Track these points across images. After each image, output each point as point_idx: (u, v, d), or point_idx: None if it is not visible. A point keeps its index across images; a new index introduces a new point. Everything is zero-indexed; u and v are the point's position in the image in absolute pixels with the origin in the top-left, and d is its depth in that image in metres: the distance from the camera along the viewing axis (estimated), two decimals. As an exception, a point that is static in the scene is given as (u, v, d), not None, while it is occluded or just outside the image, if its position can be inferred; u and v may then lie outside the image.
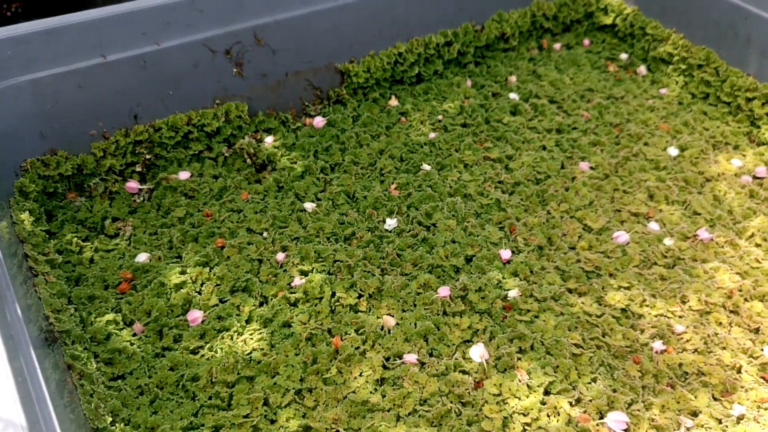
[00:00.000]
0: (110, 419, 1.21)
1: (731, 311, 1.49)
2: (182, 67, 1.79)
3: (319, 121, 1.94)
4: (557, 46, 2.36)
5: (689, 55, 2.11)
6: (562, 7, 2.35)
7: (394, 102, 2.06)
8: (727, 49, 2.06)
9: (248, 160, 1.81)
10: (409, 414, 1.27)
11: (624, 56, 2.29)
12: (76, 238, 1.58)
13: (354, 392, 1.31)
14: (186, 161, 1.80)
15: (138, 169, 1.75)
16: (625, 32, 2.33)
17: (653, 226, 1.67)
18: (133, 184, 1.71)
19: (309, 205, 1.70)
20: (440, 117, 2.01)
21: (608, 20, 2.36)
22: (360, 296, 1.49)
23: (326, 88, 2.04)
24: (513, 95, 2.10)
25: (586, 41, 2.38)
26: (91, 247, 1.58)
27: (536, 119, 2.02)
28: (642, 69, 2.24)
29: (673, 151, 1.89)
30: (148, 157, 1.76)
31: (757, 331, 1.45)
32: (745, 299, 1.51)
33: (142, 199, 1.72)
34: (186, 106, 1.82)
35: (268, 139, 1.88)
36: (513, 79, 2.18)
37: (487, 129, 1.97)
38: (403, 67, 2.08)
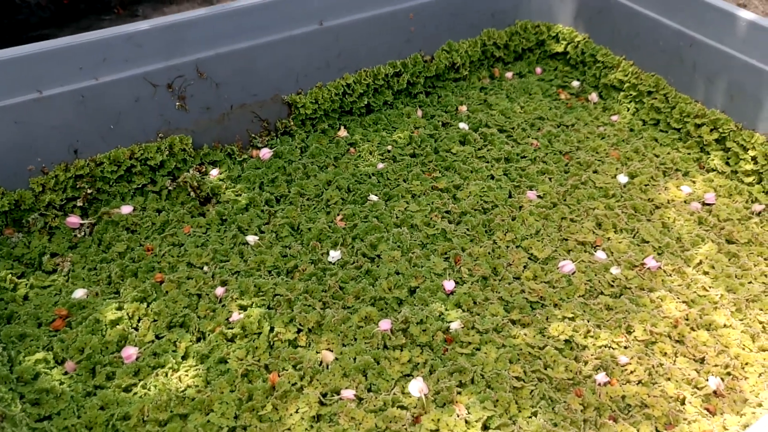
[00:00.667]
0: None
1: (677, 341, 1.47)
2: (123, 101, 1.76)
3: (265, 153, 1.92)
4: (509, 74, 2.35)
5: (639, 82, 2.11)
6: (513, 35, 2.35)
7: (343, 133, 2.04)
8: (675, 76, 2.07)
9: (192, 194, 1.78)
10: (345, 452, 1.24)
11: (576, 83, 2.29)
12: (10, 275, 1.54)
13: (289, 429, 1.27)
14: (129, 195, 1.77)
15: (79, 203, 1.72)
16: (576, 60, 2.33)
17: (600, 254, 1.66)
18: (74, 219, 1.68)
19: (251, 238, 1.67)
20: (389, 147, 1.99)
21: (560, 48, 2.36)
22: (299, 331, 1.46)
23: (273, 120, 2.02)
24: (463, 125, 2.09)
25: (539, 69, 2.38)
26: (26, 284, 1.55)
27: (485, 148, 2.00)
28: (593, 96, 2.24)
29: (622, 179, 1.88)
30: (89, 191, 1.72)
31: (702, 360, 1.43)
32: (692, 328, 1.49)
33: (83, 233, 1.68)
34: (128, 140, 1.79)
35: (214, 172, 1.86)
36: (463, 108, 2.17)
37: (436, 159, 1.95)
38: (352, 98, 2.06)
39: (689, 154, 1.97)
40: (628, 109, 2.15)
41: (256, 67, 1.92)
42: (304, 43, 1.97)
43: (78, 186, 1.72)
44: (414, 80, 2.17)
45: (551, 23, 2.40)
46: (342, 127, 2.06)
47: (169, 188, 1.79)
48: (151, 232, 1.69)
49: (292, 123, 2.01)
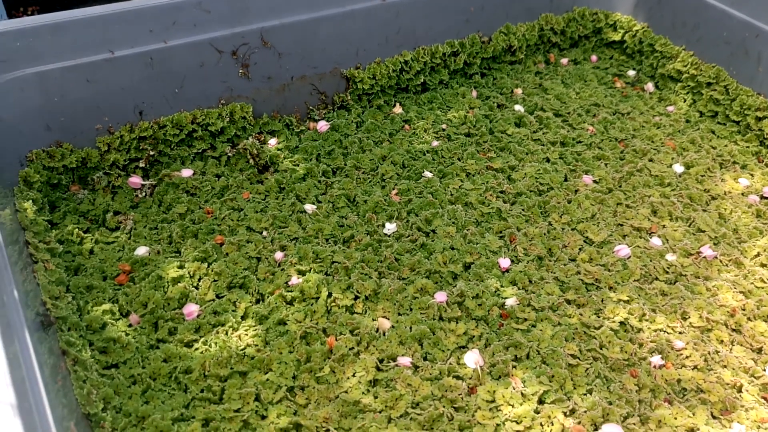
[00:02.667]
0: (102, 406, 1.20)
1: (733, 330, 1.48)
2: (188, 66, 1.78)
3: (322, 126, 1.94)
4: (564, 60, 2.35)
5: (698, 73, 2.11)
6: (570, 22, 2.35)
7: (398, 109, 2.06)
8: (737, 68, 2.06)
9: (251, 161, 1.80)
10: (401, 416, 1.26)
11: (631, 73, 2.29)
12: (77, 229, 1.57)
13: (346, 392, 1.30)
14: (189, 159, 1.80)
15: (141, 164, 1.75)
16: (633, 49, 2.33)
17: (655, 241, 1.66)
18: (135, 180, 1.71)
19: (309, 207, 1.69)
20: (444, 126, 2.00)
21: (617, 36, 2.36)
22: (356, 298, 1.48)
23: (331, 93, 2.04)
24: (518, 107, 2.10)
25: (594, 57, 2.38)
26: (91, 239, 1.58)
27: (540, 131, 2.01)
28: (650, 86, 2.24)
29: (678, 168, 1.88)
30: (151, 153, 1.75)
31: (759, 351, 1.44)
32: (748, 318, 1.49)
33: (144, 194, 1.71)
34: (191, 104, 1.82)
35: (272, 141, 1.88)
36: (519, 91, 2.18)
37: (491, 139, 1.96)
38: (409, 75, 2.08)
39: (748, 147, 1.97)
40: (685, 100, 2.15)
41: (318, 39, 1.94)
42: (365, 18, 1.99)
43: (141, 147, 1.74)
44: (470, 61, 2.18)
45: (609, 11, 2.40)
46: (397, 104, 2.08)
47: (229, 154, 1.82)
48: (210, 196, 1.72)
49: (349, 97, 2.03)
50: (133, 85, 1.72)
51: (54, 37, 1.60)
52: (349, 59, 2.02)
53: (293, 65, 1.94)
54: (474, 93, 2.15)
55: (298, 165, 1.81)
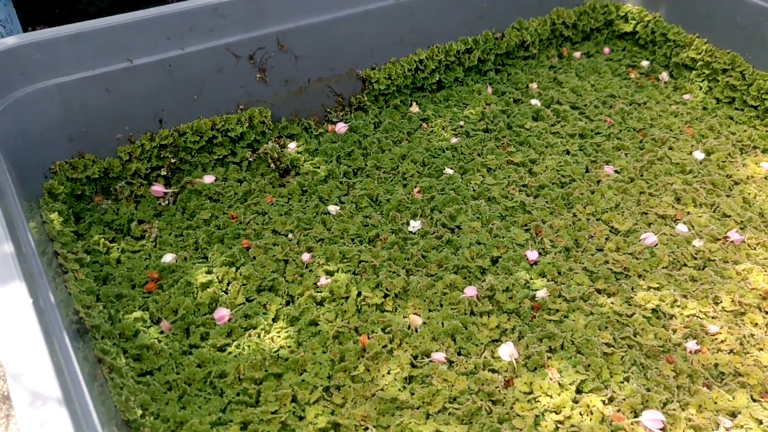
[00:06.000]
0: (140, 412, 1.20)
1: (767, 312, 1.48)
2: (206, 71, 1.79)
3: (341, 127, 1.95)
4: (577, 54, 2.35)
5: (713, 60, 2.10)
6: (581, 15, 2.35)
7: (415, 108, 2.06)
8: (753, 53, 2.06)
9: (272, 165, 1.81)
10: (439, 411, 1.26)
11: (645, 63, 2.29)
12: (103, 239, 1.58)
13: (382, 390, 1.30)
14: (210, 165, 1.80)
15: (163, 172, 1.75)
16: (646, 39, 2.33)
17: (681, 228, 1.66)
18: (158, 188, 1.71)
19: (333, 208, 1.70)
20: (462, 123, 2.01)
21: (628, 28, 2.36)
22: (386, 296, 1.49)
23: (348, 95, 2.04)
24: (534, 101, 2.10)
25: (606, 49, 2.38)
26: (117, 248, 1.58)
27: (559, 124, 2.01)
28: (664, 75, 2.24)
29: (698, 155, 1.88)
30: (173, 161, 1.76)
31: (793, 330, 1.44)
32: (785, 298, 1.50)
33: (167, 202, 1.72)
34: (210, 111, 1.83)
35: (291, 145, 1.88)
36: (534, 86, 2.18)
37: (510, 134, 1.97)
38: (424, 74, 2.08)
39: (767, 131, 1.97)
40: (701, 88, 2.15)
41: (333, 41, 1.95)
42: (379, 18, 1.99)
43: (162, 155, 1.75)
44: (484, 57, 2.18)
45: (620, 3, 2.40)
46: (414, 103, 2.08)
47: (249, 159, 1.82)
48: (233, 201, 1.72)
49: (365, 98, 2.04)
50: (152, 93, 1.73)
51: (73, 48, 1.61)
52: (364, 60, 2.03)
53: (310, 68, 1.94)
54: (489, 89, 2.15)
55: (318, 167, 1.82)
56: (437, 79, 2.12)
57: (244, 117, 1.83)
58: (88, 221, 1.64)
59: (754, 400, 1.32)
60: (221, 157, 1.82)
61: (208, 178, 1.76)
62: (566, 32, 2.35)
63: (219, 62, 1.80)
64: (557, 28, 2.33)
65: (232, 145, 1.83)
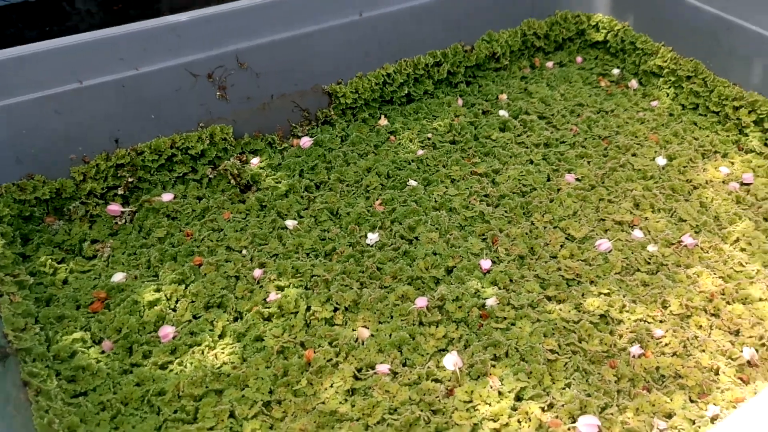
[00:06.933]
0: None
1: (712, 314, 1.48)
2: (163, 91, 1.79)
3: (305, 142, 1.95)
4: (550, 64, 2.36)
5: (678, 67, 2.11)
6: (553, 25, 2.36)
7: (383, 121, 2.07)
8: (713, 60, 2.08)
9: (232, 181, 1.81)
10: (378, 423, 1.25)
11: (616, 71, 2.29)
12: (50, 260, 1.57)
13: (323, 403, 1.29)
14: (170, 183, 1.81)
15: (120, 192, 1.75)
16: (616, 48, 2.33)
17: (637, 233, 1.66)
18: (114, 207, 1.71)
19: (290, 223, 1.70)
20: (429, 135, 2.01)
21: (600, 37, 2.36)
22: (336, 309, 1.48)
23: (314, 110, 2.04)
24: (503, 112, 2.10)
25: (579, 58, 2.38)
26: (66, 269, 1.58)
27: (525, 135, 2.01)
28: (633, 83, 2.24)
29: (661, 161, 1.88)
30: (130, 180, 1.76)
31: (737, 333, 1.43)
32: (727, 302, 1.49)
33: (123, 221, 1.71)
34: (169, 129, 1.83)
35: (254, 161, 1.89)
36: (504, 97, 2.18)
37: (476, 145, 1.97)
38: (392, 87, 2.09)
39: (728, 136, 1.97)
40: (668, 95, 2.15)
41: (296, 57, 1.95)
42: (342, 34, 2.00)
43: (119, 175, 1.75)
44: (454, 70, 2.19)
45: (591, 13, 2.41)
46: (382, 116, 2.09)
47: (210, 176, 1.82)
48: (191, 219, 1.72)
49: (332, 112, 2.04)
50: (106, 113, 1.73)
51: (19, 70, 1.62)
52: (329, 75, 2.04)
53: (272, 84, 1.95)
54: (460, 101, 2.16)
55: (280, 182, 1.82)
56: (406, 92, 2.12)
57: (204, 134, 1.83)
58: (36, 242, 1.63)
59: (692, 401, 1.32)
60: (181, 174, 1.82)
61: (167, 196, 1.76)
62: (538, 43, 2.36)
63: (176, 81, 1.80)
64: (528, 39, 2.33)
65: (193, 162, 1.84)
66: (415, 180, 1.85)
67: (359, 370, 1.35)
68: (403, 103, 2.15)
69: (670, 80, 2.15)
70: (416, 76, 2.13)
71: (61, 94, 1.67)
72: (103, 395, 1.30)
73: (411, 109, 2.12)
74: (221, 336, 1.43)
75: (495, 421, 1.25)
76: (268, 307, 1.47)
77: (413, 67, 2.11)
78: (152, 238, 1.66)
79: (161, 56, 1.77)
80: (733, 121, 1.98)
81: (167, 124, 1.83)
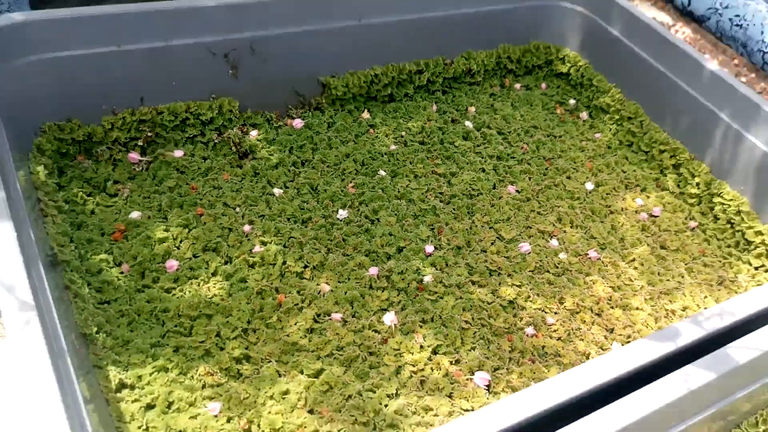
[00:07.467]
0: (96, 329, 1.55)
1: (596, 314, 1.84)
2: (185, 63, 2.08)
3: (298, 123, 2.25)
4: (518, 85, 2.66)
5: (622, 108, 2.46)
6: (526, 53, 2.68)
7: (366, 115, 2.37)
8: (651, 107, 2.44)
9: (233, 148, 2.12)
10: (327, 355, 1.62)
11: (572, 102, 2.61)
12: (81, 192, 1.87)
13: (288, 336, 1.64)
14: (182, 142, 2.11)
15: (140, 143, 2.05)
16: (576, 81, 2.65)
17: (554, 242, 2.01)
18: (134, 155, 2.01)
19: (277, 191, 2.01)
20: (403, 133, 2.31)
21: (564, 69, 2.69)
22: (306, 267, 1.82)
23: (309, 96, 2.34)
24: (468, 123, 2.41)
25: (544, 85, 2.71)
26: (93, 202, 1.88)
27: (482, 146, 2.34)
28: (584, 114, 2.58)
29: (589, 186, 2.23)
30: (149, 134, 2.05)
31: (611, 330, 1.80)
32: (611, 307, 1.85)
33: (140, 168, 2.01)
34: (186, 96, 2.12)
35: (253, 133, 2.19)
36: (472, 109, 2.48)
37: (440, 149, 2.28)
38: (378, 86, 2.39)
39: (650, 173, 2.33)
40: (610, 130, 2.49)
41: (301, 49, 2.24)
42: (343, 35, 2.29)
43: (140, 128, 2.04)
44: (434, 79, 2.49)
45: (561, 46, 2.73)
46: (366, 110, 2.38)
47: (215, 141, 2.12)
48: (196, 175, 2.02)
49: (324, 101, 2.34)
50: (136, 75, 2.01)
51: (70, 29, 1.89)
52: (326, 68, 2.33)
53: (277, 69, 2.24)
54: (434, 107, 2.46)
55: (272, 155, 2.13)
56: (389, 92, 2.42)
57: (215, 105, 2.13)
58: (70, 176, 1.92)
59: None
60: (192, 136, 2.12)
61: (178, 153, 2.06)
62: (510, 66, 2.67)
63: (197, 57, 2.08)
64: (502, 61, 2.65)
65: (202, 127, 2.13)
66: (385, 171, 2.16)
67: (318, 315, 1.70)
68: (385, 102, 2.45)
69: (614, 118, 2.49)
70: (400, 79, 2.44)
71: (101, 54, 1.95)
72: (122, 306, 1.65)
73: (391, 107, 2.42)
74: (214, 274, 1.76)
75: (414, 366, 1.63)
76: (253, 257, 1.81)
77: (398, 72, 2.42)
78: (163, 187, 1.97)
79: (188, 34, 2.05)
80: (657, 161, 2.34)
81: (185, 91, 2.12)
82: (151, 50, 2.03)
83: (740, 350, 1.43)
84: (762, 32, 2.48)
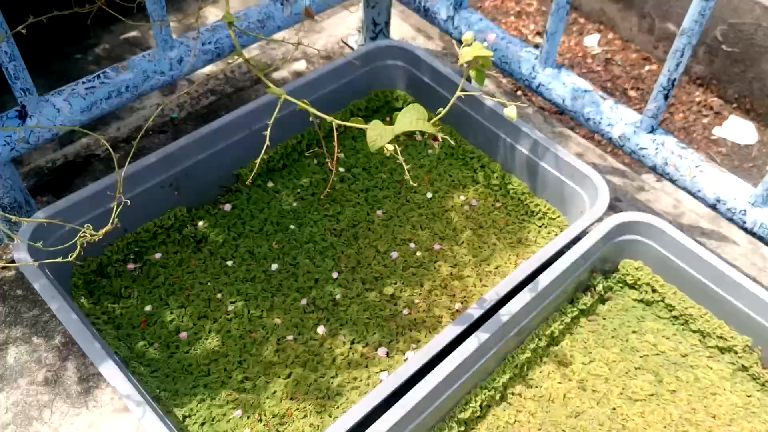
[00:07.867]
0: (157, 390, 2.44)
1: (443, 287, 2.31)
2: (147, 197, 2.56)
3: (227, 207, 2.85)
4: (368, 124, 3.59)
5: (441, 129, 3.28)
6: (370, 100, 3.25)
7: (270, 184, 3.11)
8: (461, 129, 3.22)
9: (191, 239, 2.81)
10: (291, 363, 2.43)
11: (416, 130, 3.47)
12: (108, 303, 2.43)
13: (265, 357, 2.49)
14: (158, 246, 2.61)
15: (131, 256, 2.82)
16: (408, 112, 3.60)
17: (412, 245, 2.44)
18: (131, 266, 2.64)
19: (229, 262, 2.42)
20: (298, 190, 3.07)
21: (399, 105, 3.46)
22: (262, 311, 2.38)
23: (229, 185, 3.17)
24: (341, 168, 3.16)
25: (388, 118, 3.49)
26: (118, 307, 2.40)
27: (354, 184, 2.77)
28: (418, 137, 3.38)
29: (429, 195, 2.80)
30: (136, 249, 2.88)
31: (453, 296, 2.24)
32: (452, 279, 2.28)
33: (137, 273, 2.72)
34: (153, 215, 2.63)
35: (201, 223, 2.78)
36: (342, 155, 3.24)
37: (325, 195, 3.05)
38: (274, 162, 3.25)
39: (468, 174, 2.97)
40: (439, 146, 3.35)
41: (220, 163, 3.05)
42: (242, 140, 3.14)
43: (129, 247, 3.03)
44: (311, 142, 3.31)
45: (394, 89, 3.52)
46: (269, 180, 3.11)
47: (178, 239, 2.69)
48: (174, 267, 2.78)
49: (240, 186, 3.14)
50: (122, 218, 2.88)
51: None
52: (240, 162, 3.17)
53: (207, 180, 3.00)
54: (315, 161, 3.34)
55: (218, 236, 2.53)
56: (282, 163, 3.27)
57: (171, 215, 2.76)
58: (97, 295, 2.35)
59: (427, 336, 2.19)
60: (162, 240, 2.72)
61: (158, 255, 2.60)
62: (360, 113, 3.29)
63: (154, 193, 2.90)
64: (354, 112, 3.33)
65: (167, 231, 2.82)
66: (293, 225, 2.71)
67: (278, 340, 2.38)
68: (281, 169, 3.20)
69: (437, 137, 3.38)
70: (287, 152, 3.28)
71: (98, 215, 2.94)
72: (164, 371, 2.34)
73: (285, 172, 3.05)
74: (210, 332, 2.48)
75: (342, 355, 2.14)
76: (228, 315, 2.40)
77: (285, 147, 3.28)
78: (157, 282, 2.48)
79: (148, 182, 2.99)
80: (470, 165, 3.12)
81: (151, 213, 2.67)
82: (133, 197, 2.82)
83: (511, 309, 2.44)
84: (520, 67, 3.37)
